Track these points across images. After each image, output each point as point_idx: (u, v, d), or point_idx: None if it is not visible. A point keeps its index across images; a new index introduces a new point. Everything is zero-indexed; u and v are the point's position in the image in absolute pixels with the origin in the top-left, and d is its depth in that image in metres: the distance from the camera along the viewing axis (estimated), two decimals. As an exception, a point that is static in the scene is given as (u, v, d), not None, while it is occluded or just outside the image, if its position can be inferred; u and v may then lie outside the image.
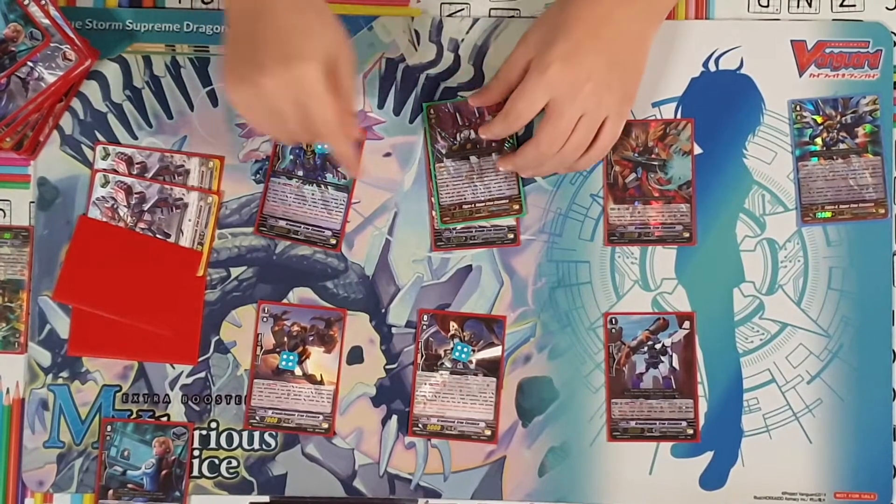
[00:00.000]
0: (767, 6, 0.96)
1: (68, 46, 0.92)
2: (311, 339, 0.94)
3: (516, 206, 0.94)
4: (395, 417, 0.94)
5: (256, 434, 0.94)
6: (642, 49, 0.88)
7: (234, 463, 0.94)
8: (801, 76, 0.95)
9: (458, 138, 0.95)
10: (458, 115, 0.95)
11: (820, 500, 0.93)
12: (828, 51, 0.95)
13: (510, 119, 0.88)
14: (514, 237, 0.95)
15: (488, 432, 0.93)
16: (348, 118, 0.84)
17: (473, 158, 0.95)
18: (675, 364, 0.94)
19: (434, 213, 0.95)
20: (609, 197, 0.95)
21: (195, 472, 0.94)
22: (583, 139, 0.87)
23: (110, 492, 0.93)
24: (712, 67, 0.95)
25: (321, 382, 0.94)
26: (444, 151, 0.95)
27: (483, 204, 0.94)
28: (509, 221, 0.94)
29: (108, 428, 0.94)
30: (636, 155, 0.95)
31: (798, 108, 0.95)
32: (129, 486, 0.93)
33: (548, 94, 0.85)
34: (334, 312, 0.95)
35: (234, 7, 0.82)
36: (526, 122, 0.87)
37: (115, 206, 0.94)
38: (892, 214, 0.94)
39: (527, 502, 0.94)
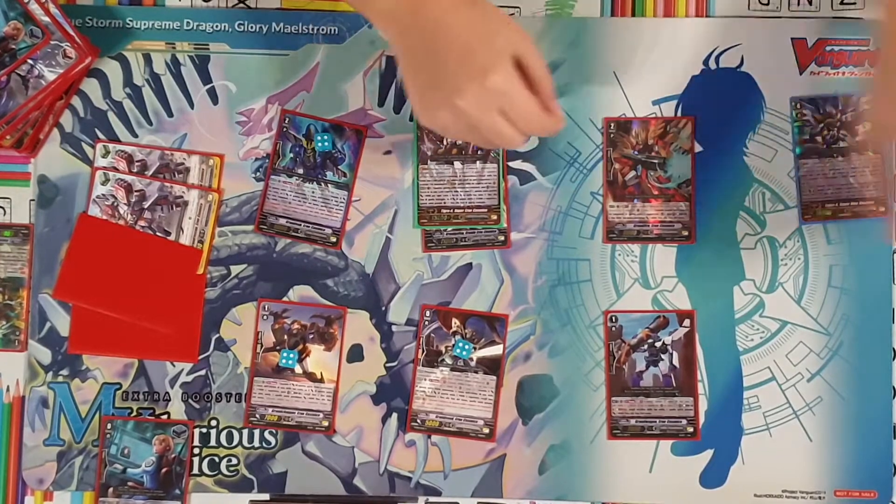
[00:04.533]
0: (768, 4, 0.96)
1: (68, 44, 0.92)
2: (311, 336, 0.94)
3: (494, 217, 0.94)
4: (395, 415, 0.94)
5: (256, 432, 0.94)
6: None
7: (235, 461, 0.94)
8: (801, 74, 0.95)
9: (445, 142, 0.95)
10: None
11: (820, 498, 0.93)
12: (828, 49, 0.95)
13: None
14: (505, 240, 0.95)
15: (486, 430, 0.93)
16: (550, 102, 0.80)
17: (457, 164, 0.95)
18: (676, 362, 0.94)
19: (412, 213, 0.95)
20: (608, 194, 0.95)
21: (195, 470, 0.94)
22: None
23: (110, 490, 0.93)
24: (713, 65, 0.95)
25: (321, 380, 0.94)
26: (429, 154, 0.95)
27: (462, 210, 0.94)
28: (501, 223, 0.95)
29: (109, 426, 0.94)
30: (636, 153, 0.95)
31: (799, 105, 0.95)
32: (130, 483, 0.93)
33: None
34: (334, 310, 0.95)
35: (405, 40, 0.79)
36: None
37: (116, 203, 0.94)
38: (893, 212, 0.94)
39: (527, 500, 0.94)
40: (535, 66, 0.79)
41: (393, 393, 0.94)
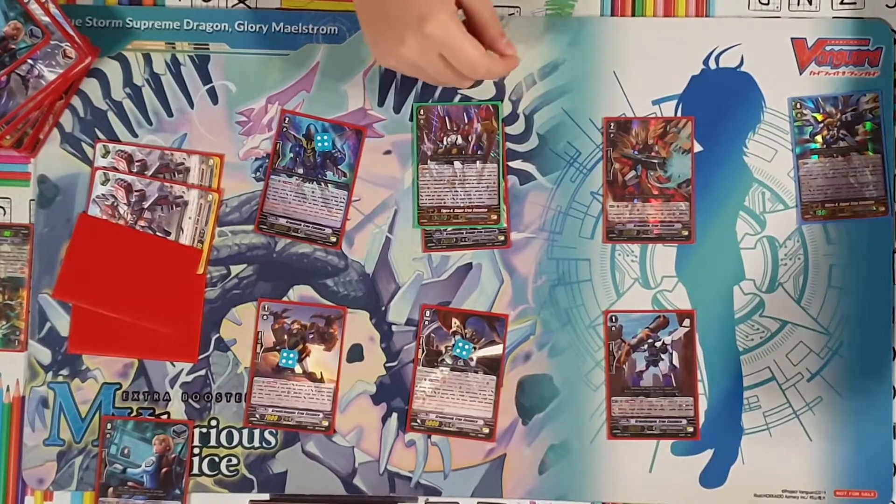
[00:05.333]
0: (768, 4, 0.96)
1: (68, 44, 0.92)
2: (311, 336, 0.94)
3: (494, 217, 0.94)
4: (395, 415, 0.94)
5: (256, 432, 0.94)
6: None
7: (235, 461, 0.94)
8: (801, 74, 0.95)
9: (445, 142, 0.95)
10: (447, 119, 0.95)
11: (820, 497, 0.93)
12: (828, 48, 0.95)
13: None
14: (505, 239, 0.95)
15: (486, 430, 0.93)
16: (498, 45, 0.86)
17: (457, 164, 0.95)
18: (675, 362, 0.94)
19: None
20: (608, 194, 0.95)
21: (195, 470, 0.94)
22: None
23: (110, 490, 0.93)
24: (712, 65, 0.95)
25: (321, 380, 0.94)
26: (429, 154, 0.95)
27: (462, 210, 0.94)
28: (501, 223, 0.95)
29: (109, 426, 0.94)
30: (636, 152, 0.95)
31: (798, 105, 0.95)
32: (130, 483, 0.93)
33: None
34: (334, 310, 0.95)
35: None
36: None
37: (116, 203, 0.94)
38: (893, 212, 0.94)
39: (527, 500, 0.94)
40: (479, 11, 0.84)
41: (393, 393, 0.94)
